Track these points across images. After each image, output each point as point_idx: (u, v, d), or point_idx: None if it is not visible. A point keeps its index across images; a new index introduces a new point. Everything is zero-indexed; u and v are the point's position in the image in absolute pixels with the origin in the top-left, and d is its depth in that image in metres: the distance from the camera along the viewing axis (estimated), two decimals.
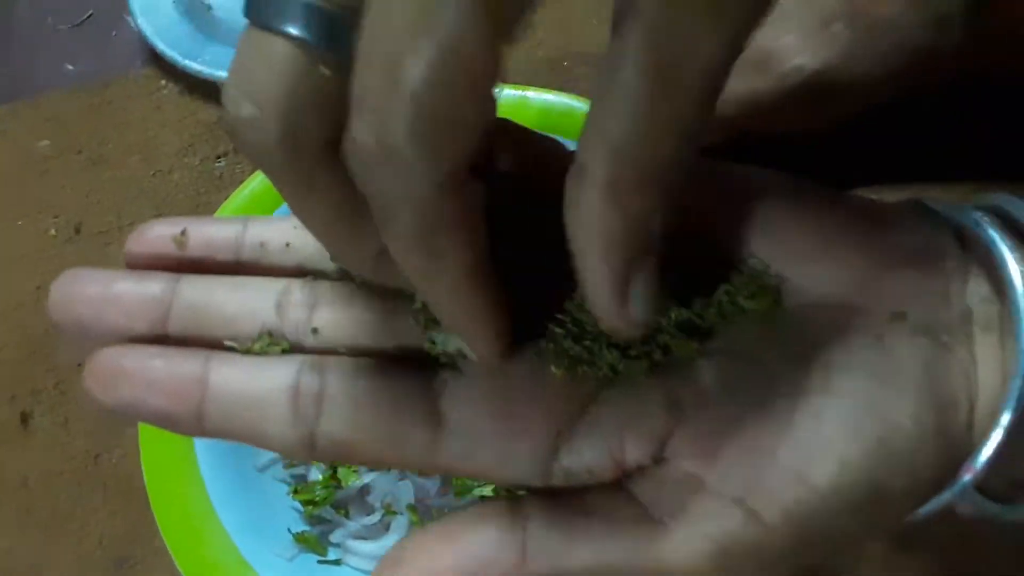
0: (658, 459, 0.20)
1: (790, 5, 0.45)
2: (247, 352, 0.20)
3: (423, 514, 0.36)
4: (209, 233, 0.22)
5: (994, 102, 0.44)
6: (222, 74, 0.52)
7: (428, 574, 0.19)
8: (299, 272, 0.22)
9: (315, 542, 0.36)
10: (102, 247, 0.51)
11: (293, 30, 0.15)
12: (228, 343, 0.20)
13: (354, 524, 0.37)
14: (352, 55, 0.15)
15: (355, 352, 0.21)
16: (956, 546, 0.35)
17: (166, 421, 0.20)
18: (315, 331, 0.21)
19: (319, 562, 0.36)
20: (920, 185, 0.46)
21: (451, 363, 0.20)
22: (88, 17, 0.61)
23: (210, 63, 0.53)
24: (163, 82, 0.56)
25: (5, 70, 0.59)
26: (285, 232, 0.22)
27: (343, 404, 0.20)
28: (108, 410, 0.20)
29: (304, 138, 0.16)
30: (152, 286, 0.20)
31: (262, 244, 0.22)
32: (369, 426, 0.20)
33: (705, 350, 0.20)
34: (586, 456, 0.20)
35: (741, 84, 0.43)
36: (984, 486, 0.19)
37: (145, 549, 0.43)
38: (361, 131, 0.15)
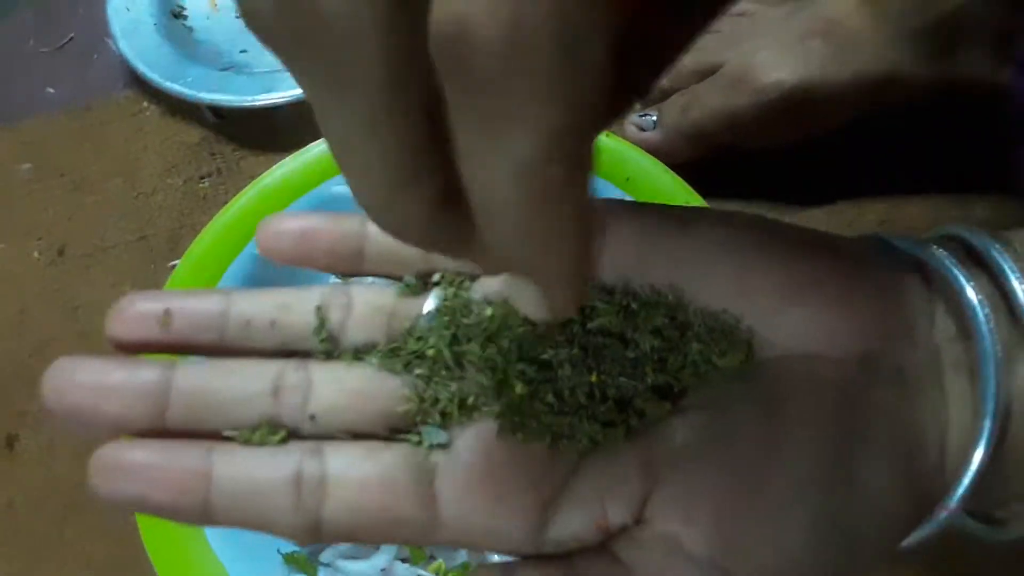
0: (639, 520, 0.20)
1: (767, 22, 0.46)
2: (247, 442, 0.21)
3: None
4: (192, 311, 0.22)
5: (965, 115, 0.45)
6: (203, 96, 0.52)
7: None
8: (285, 352, 0.22)
9: (304, 562, 0.36)
10: (85, 270, 0.51)
11: None
12: (227, 433, 0.21)
13: (343, 543, 0.37)
14: None
15: (353, 435, 0.21)
16: (955, 549, 0.35)
17: (172, 515, 0.20)
18: (312, 418, 0.21)
19: None
20: (893, 198, 0.47)
21: (441, 447, 0.21)
22: (69, 40, 0.61)
23: (191, 85, 0.53)
24: (145, 104, 0.56)
25: None
26: (270, 309, 0.23)
27: (345, 491, 0.20)
28: (113, 505, 0.20)
29: (405, 23, 0.12)
30: (146, 375, 0.21)
31: (247, 322, 0.22)
32: (371, 511, 0.20)
33: (679, 407, 0.21)
34: (573, 525, 0.21)
35: (719, 100, 0.44)
36: (966, 509, 0.20)
37: (132, 574, 0.43)
38: (485, 8, 0.11)
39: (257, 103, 0.51)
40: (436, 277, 0.24)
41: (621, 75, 0.14)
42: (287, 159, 0.46)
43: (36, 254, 0.52)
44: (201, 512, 0.20)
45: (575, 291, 0.15)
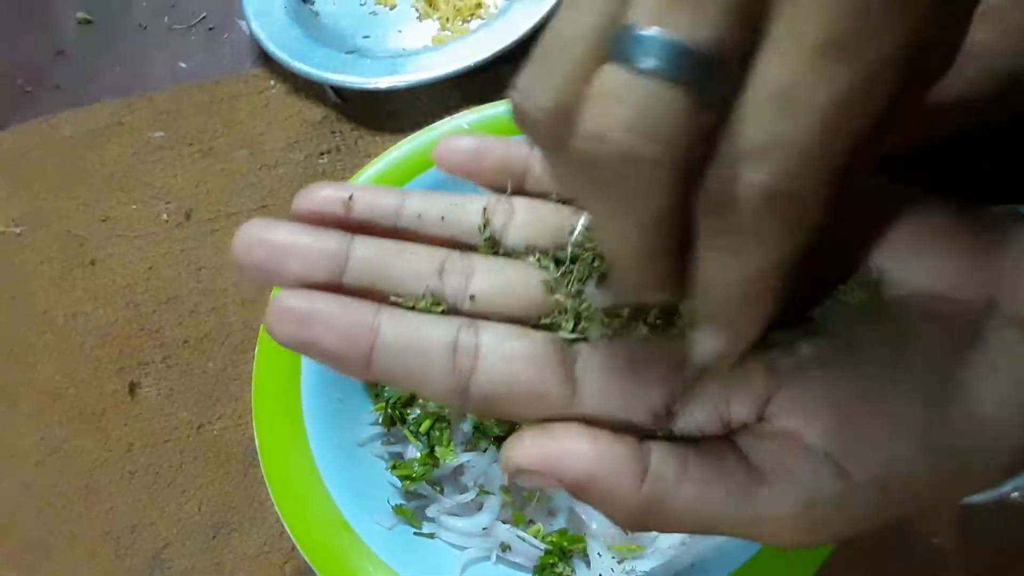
0: (761, 417, 0.22)
1: None
2: (413, 308, 0.23)
3: (515, 495, 0.38)
4: (372, 200, 0.24)
5: None
6: (328, 76, 0.55)
7: (552, 452, 0.21)
8: (452, 243, 0.25)
9: (412, 515, 0.38)
10: (209, 233, 0.54)
11: (685, 75, 0.16)
12: (394, 299, 0.23)
13: (449, 501, 0.38)
14: (729, 98, 0.16)
15: (505, 318, 0.23)
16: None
17: (336, 361, 0.22)
18: (472, 298, 0.23)
19: (415, 534, 0.38)
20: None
21: (583, 338, 0.23)
22: (201, 19, 0.65)
23: (317, 65, 0.55)
24: (272, 82, 0.59)
25: (124, 66, 0.63)
26: (441, 206, 0.25)
27: (496, 362, 0.22)
28: (284, 344, 0.22)
29: (681, 172, 0.16)
30: (330, 241, 0.23)
31: (419, 215, 0.25)
32: (517, 383, 0.22)
33: (806, 330, 0.22)
34: (697, 416, 0.22)
35: None
36: None
37: (241, 516, 0.46)
38: (754, 173, 0.16)
39: (378, 86, 0.54)
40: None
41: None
42: (406, 139, 0.48)
43: (165, 216, 0.55)
44: (364, 363, 0.22)
45: (742, 347, 0.20)
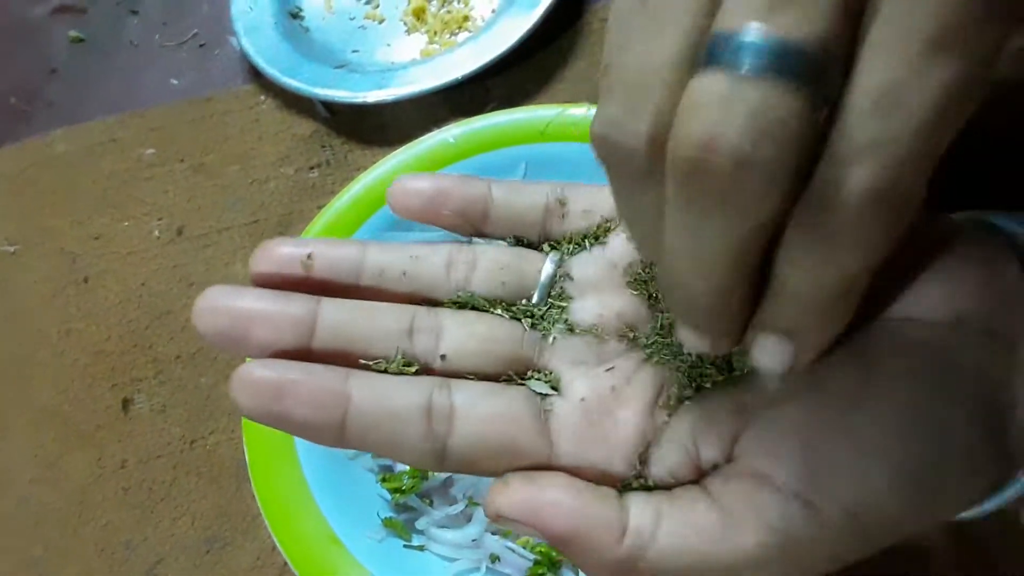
0: (729, 458, 0.22)
1: None
2: (384, 372, 0.22)
3: None
4: (332, 258, 0.24)
5: None
6: (318, 91, 0.55)
7: (535, 504, 0.21)
8: (415, 298, 0.24)
9: (401, 527, 0.38)
10: (201, 248, 0.54)
11: (794, 74, 0.15)
12: (364, 362, 0.23)
13: (438, 513, 0.39)
14: (835, 96, 0.16)
15: (477, 374, 0.23)
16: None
17: (309, 432, 0.21)
18: (443, 357, 0.23)
19: (404, 546, 0.38)
20: None
21: (555, 391, 0.24)
22: (192, 36, 0.65)
23: (307, 81, 0.56)
24: (262, 97, 0.60)
25: (116, 84, 0.64)
26: (402, 260, 0.24)
27: (472, 424, 0.22)
28: (252, 418, 0.21)
29: (794, 175, 0.16)
30: (296, 306, 0.22)
31: (381, 272, 0.24)
32: (494, 443, 0.22)
33: None
34: (668, 461, 0.22)
35: None
36: None
37: (234, 530, 0.46)
38: (861, 173, 0.15)
39: (367, 100, 0.54)
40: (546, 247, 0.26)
41: None
42: (395, 152, 0.48)
43: (156, 233, 0.56)
44: (337, 432, 0.21)
45: (818, 352, 0.20)
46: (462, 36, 0.59)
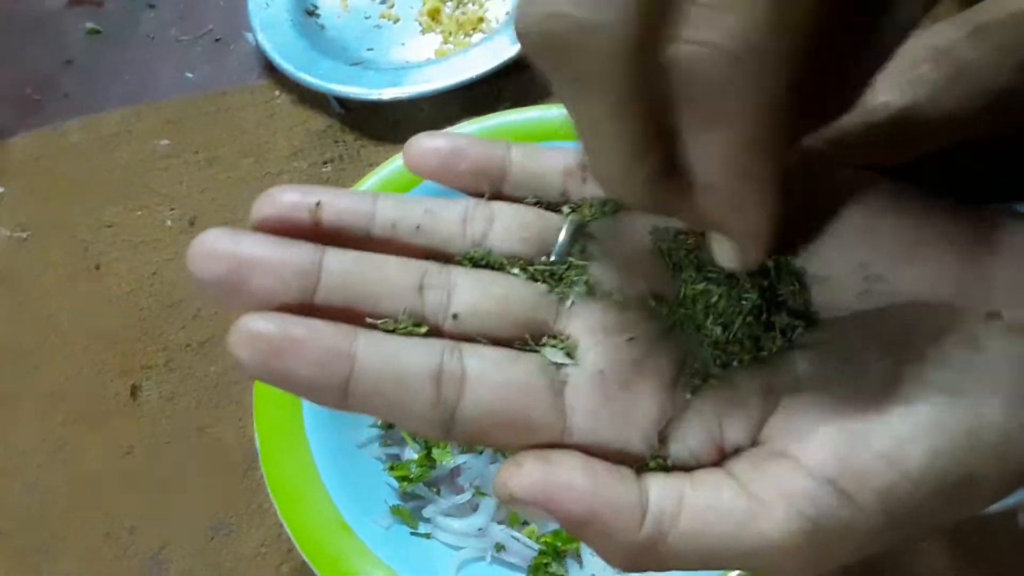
0: (755, 442, 0.21)
1: None
2: (392, 331, 0.21)
3: None
4: (342, 207, 0.22)
5: None
6: (333, 88, 0.56)
7: (550, 485, 0.20)
8: (428, 253, 0.23)
9: (409, 515, 0.38)
10: None
11: None
12: (371, 321, 0.21)
13: (445, 502, 0.39)
14: None
15: (489, 337, 0.22)
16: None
17: (311, 392, 0.20)
18: (455, 316, 0.21)
19: (411, 534, 0.38)
20: None
21: (571, 359, 0.22)
22: (208, 31, 0.66)
23: (322, 77, 0.56)
24: (277, 93, 0.60)
25: (131, 76, 0.64)
26: (416, 214, 0.23)
27: (483, 392, 0.20)
28: (252, 375, 0.20)
29: (641, 44, 0.16)
30: (299, 254, 0.21)
31: (393, 224, 0.23)
32: (505, 414, 0.20)
33: (798, 343, 0.22)
34: (690, 442, 0.21)
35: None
36: None
37: (239, 517, 0.46)
38: (707, 33, 0.15)
39: (381, 97, 0.55)
40: (566, 209, 0.25)
41: (806, 103, 0.17)
42: None
43: (169, 222, 0.56)
44: (340, 393, 0.20)
45: (761, 247, 0.20)
46: (476, 37, 0.60)
